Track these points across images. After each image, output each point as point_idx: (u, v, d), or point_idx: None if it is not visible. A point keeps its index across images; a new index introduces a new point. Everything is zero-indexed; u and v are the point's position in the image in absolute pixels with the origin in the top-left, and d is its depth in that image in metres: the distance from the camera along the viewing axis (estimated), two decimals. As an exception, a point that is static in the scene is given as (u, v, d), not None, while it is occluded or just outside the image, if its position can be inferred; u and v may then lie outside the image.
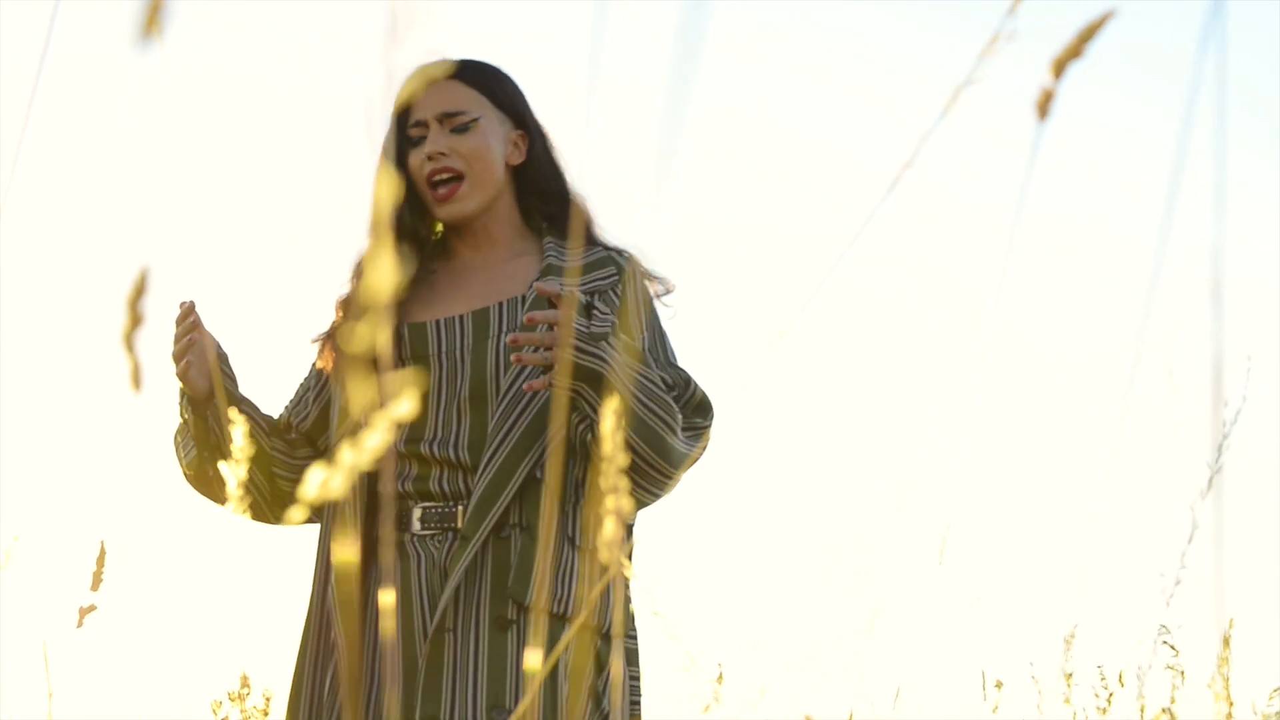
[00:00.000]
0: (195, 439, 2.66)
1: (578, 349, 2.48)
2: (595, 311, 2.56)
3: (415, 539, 2.60)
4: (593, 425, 2.54)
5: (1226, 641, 4.51)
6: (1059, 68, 1.17)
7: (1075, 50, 1.17)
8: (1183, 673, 4.73)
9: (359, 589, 2.61)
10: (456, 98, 2.73)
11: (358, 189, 2.73)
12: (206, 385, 2.63)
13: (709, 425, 2.66)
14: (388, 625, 2.56)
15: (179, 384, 2.66)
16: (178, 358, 2.62)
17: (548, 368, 2.48)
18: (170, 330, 2.65)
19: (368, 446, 0.98)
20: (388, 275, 0.95)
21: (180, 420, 2.70)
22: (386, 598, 2.57)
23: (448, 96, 2.73)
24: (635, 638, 2.70)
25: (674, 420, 2.57)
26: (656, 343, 2.72)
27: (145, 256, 0.94)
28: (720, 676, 4.47)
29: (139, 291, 0.95)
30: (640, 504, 2.63)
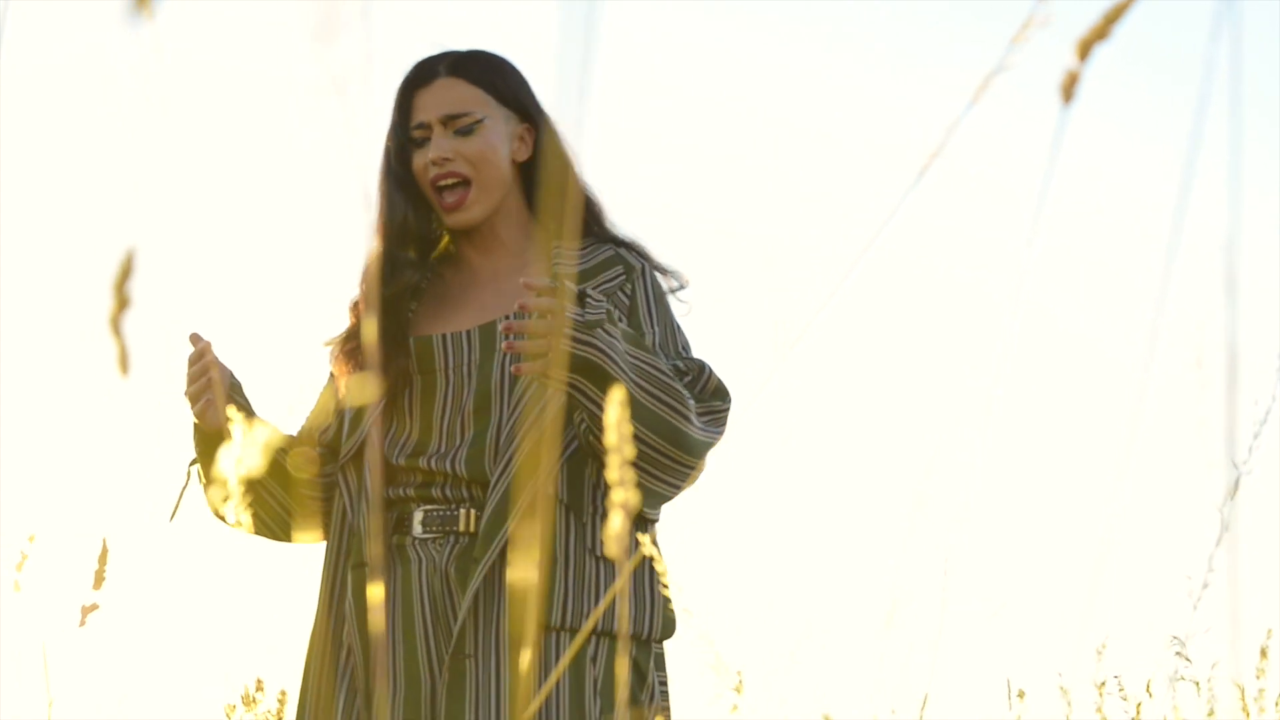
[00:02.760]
0: (210, 477, 2.62)
1: (573, 339, 2.40)
2: (589, 300, 2.47)
3: (416, 542, 2.57)
4: (595, 421, 2.47)
5: (1264, 652, 4.45)
6: (1084, 49, 1.13)
7: (1101, 31, 1.14)
8: (1198, 683, 4.68)
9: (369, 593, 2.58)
10: (459, 98, 2.66)
11: (346, 183, 2.69)
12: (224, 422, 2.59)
13: (727, 409, 2.59)
14: (377, 620, 2.53)
15: (193, 422, 2.61)
16: (194, 398, 2.58)
17: (542, 356, 2.39)
18: (181, 365, 2.60)
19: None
20: (369, 392, 0.94)
21: (195, 457, 2.65)
22: (375, 594, 2.54)
23: (450, 97, 2.66)
24: (663, 641, 2.64)
25: (685, 406, 2.50)
26: (668, 336, 2.65)
27: (131, 238, 0.92)
28: (740, 685, 4.43)
29: (125, 274, 0.93)
30: (663, 497, 2.56)
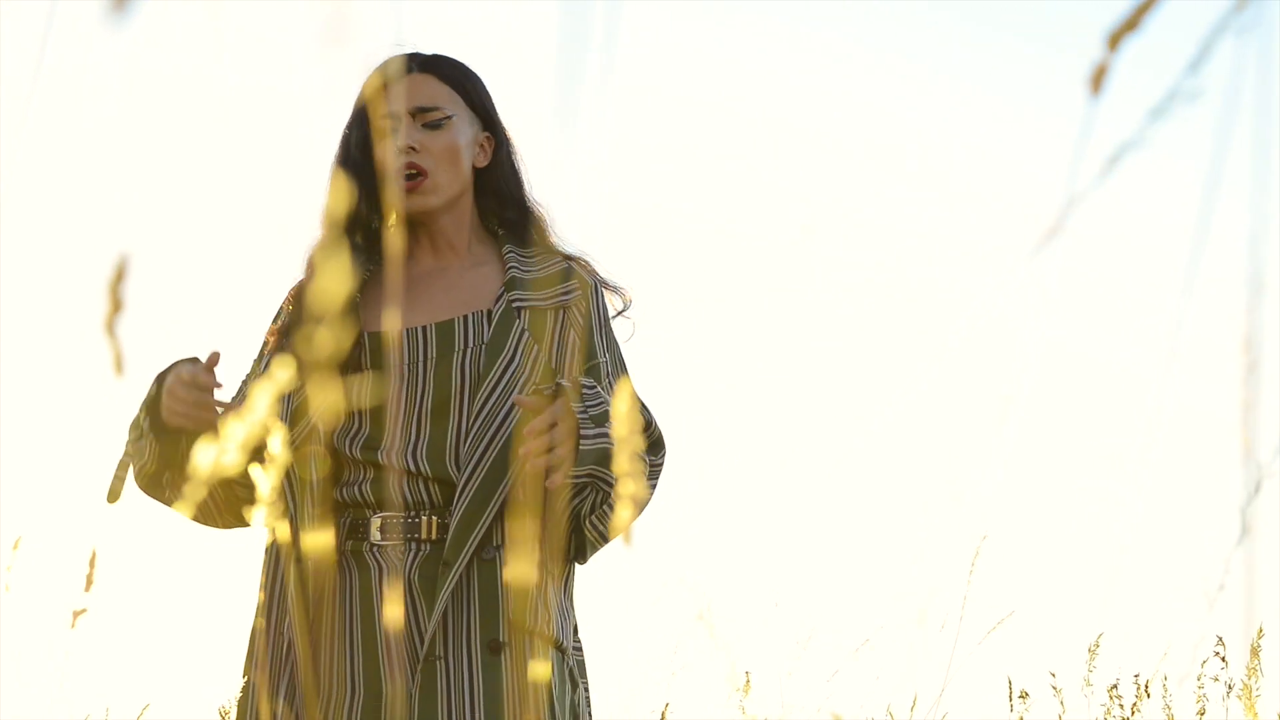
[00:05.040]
0: (160, 456, 2.55)
1: (587, 437, 2.44)
2: (585, 391, 2.49)
3: (375, 548, 2.54)
4: (607, 498, 2.52)
5: (1255, 651, 4.43)
6: (1114, 41, 1.10)
7: (1132, 23, 1.11)
8: (1206, 681, 4.65)
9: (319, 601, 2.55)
10: (431, 93, 2.68)
11: (315, 180, 2.69)
12: (202, 423, 2.51)
13: (663, 464, 2.61)
14: (300, 617, 2.51)
15: (167, 413, 2.52)
16: (192, 416, 2.49)
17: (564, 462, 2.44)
18: (185, 380, 2.50)
19: (252, 419, 1.10)
20: (341, 282, 0.96)
21: (140, 426, 2.58)
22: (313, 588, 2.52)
23: (422, 91, 2.67)
24: (581, 649, 2.64)
25: (647, 470, 2.56)
26: (615, 366, 2.68)
27: (123, 241, 0.91)
28: (747, 685, 4.42)
29: (119, 276, 0.92)
30: (591, 552, 2.60)
